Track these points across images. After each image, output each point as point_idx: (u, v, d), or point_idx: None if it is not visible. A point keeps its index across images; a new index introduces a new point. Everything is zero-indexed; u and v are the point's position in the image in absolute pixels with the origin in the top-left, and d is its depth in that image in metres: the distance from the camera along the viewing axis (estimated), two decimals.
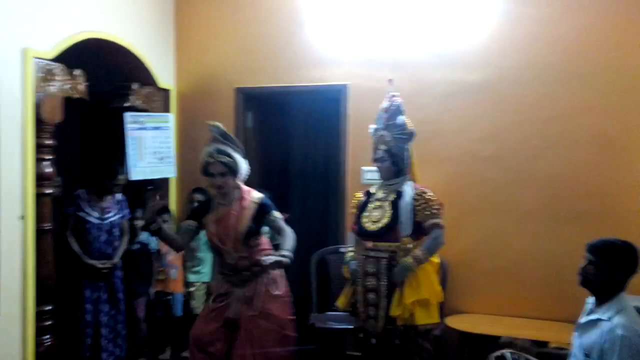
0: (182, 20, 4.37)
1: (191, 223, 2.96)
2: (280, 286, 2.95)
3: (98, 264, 3.55)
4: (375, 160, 3.16)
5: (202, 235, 4.05)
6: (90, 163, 3.64)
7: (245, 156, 2.95)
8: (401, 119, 3.12)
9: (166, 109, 4.24)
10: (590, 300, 2.18)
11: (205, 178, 2.91)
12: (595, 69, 3.46)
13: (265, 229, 3.02)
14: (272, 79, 4.16)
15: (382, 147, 3.11)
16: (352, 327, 3.54)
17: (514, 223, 3.63)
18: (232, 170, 2.83)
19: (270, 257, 2.67)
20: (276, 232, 2.95)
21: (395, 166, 3.10)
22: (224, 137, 2.88)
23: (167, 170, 4.09)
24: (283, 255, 2.66)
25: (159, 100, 4.19)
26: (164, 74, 4.24)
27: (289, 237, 2.83)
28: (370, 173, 3.91)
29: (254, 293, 2.85)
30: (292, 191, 4.78)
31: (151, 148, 3.97)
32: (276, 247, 2.92)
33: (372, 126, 3.26)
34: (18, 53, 2.91)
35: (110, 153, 3.95)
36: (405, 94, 3.38)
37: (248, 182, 4.33)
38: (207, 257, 4.13)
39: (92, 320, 3.56)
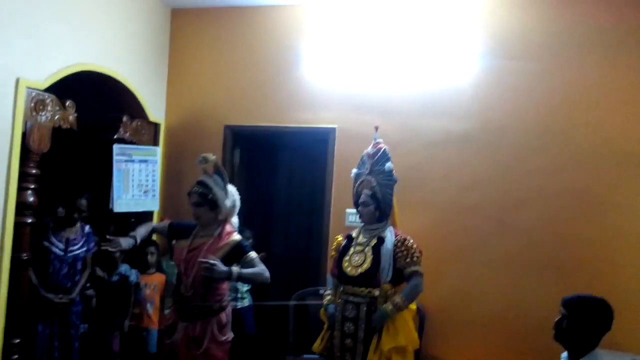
0: (176, 56, 4.45)
1: (164, 228, 3.11)
2: (226, 331, 2.93)
3: (55, 298, 3.37)
4: (359, 204, 3.20)
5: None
6: (62, 194, 3.56)
7: (227, 192, 2.98)
8: (389, 165, 3.17)
9: (155, 143, 4.27)
10: (564, 355, 2.20)
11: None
12: (575, 124, 3.58)
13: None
14: (261, 118, 4.22)
15: (366, 191, 3.16)
16: None
17: (493, 272, 3.67)
18: (209, 203, 2.87)
19: (216, 263, 2.68)
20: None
21: (378, 211, 3.14)
22: (215, 170, 2.95)
23: (151, 203, 4.13)
24: (230, 271, 2.71)
25: (148, 133, 4.22)
26: (155, 108, 4.28)
27: (258, 273, 2.86)
28: (354, 215, 3.95)
29: (201, 333, 2.81)
30: (274, 229, 4.77)
31: (137, 181, 4.00)
32: None
33: (354, 170, 3.32)
34: (12, 82, 2.93)
35: (95, 184, 3.94)
36: (391, 140, 3.46)
37: None
38: None
39: (43, 358, 3.35)
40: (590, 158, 3.54)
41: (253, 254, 2.91)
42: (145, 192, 4.04)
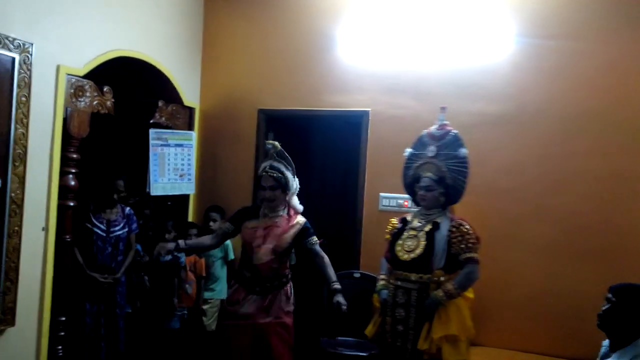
0: (210, 40, 4.47)
1: (229, 226, 3.18)
2: (290, 303, 3.12)
3: (100, 277, 3.49)
4: (420, 188, 3.09)
5: (218, 252, 4.14)
6: (101, 176, 3.66)
7: (295, 175, 3.15)
8: (464, 151, 3.06)
9: (190, 127, 4.32)
10: (606, 343, 2.16)
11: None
12: (617, 105, 3.44)
13: None
14: (295, 102, 4.22)
15: (430, 175, 3.06)
16: (364, 354, 3.54)
17: (530, 257, 3.59)
18: (282, 185, 3.02)
19: (340, 301, 2.85)
20: (313, 256, 3.06)
21: (444, 197, 3.06)
22: (278, 155, 3.08)
23: (187, 187, 4.19)
24: (338, 291, 2.89)
25: (183, 117, 4.27)
26: (190, 92, 4.33)
27: (330, 265, 3.02)
28: (387, 199, 3.94)
29: (271, 303, 3.01)
30: (307, 213, 4.79)
31: (173, 164, 4.07)
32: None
33: (409, 150, 3.23)
34: (52, 70, 3.00)
35: (132, 168, 4.03)
36: (425, 123, 3.41)
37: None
38: (222, 275, 4.16)
39: (91, 334, 3.51)
40: (633, 140, 3.40)
41: (315, 238, 3.10)
42: (181, 175, 4.11)
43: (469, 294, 3.00)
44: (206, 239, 3.30)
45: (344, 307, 2.81)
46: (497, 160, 3.69)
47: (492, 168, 3.69)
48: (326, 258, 3.04)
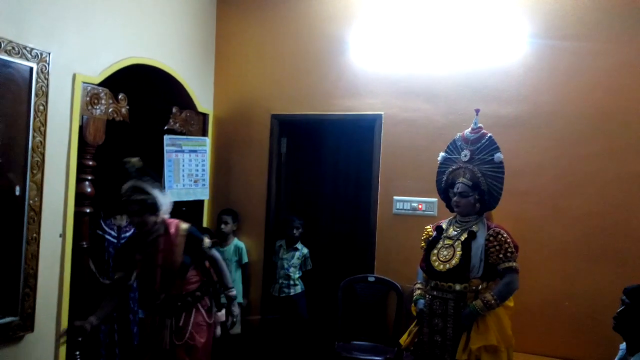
0: (222, 47, 4.51)
1: (119, 274, 2.85)
2: (209, 315, 2.92)
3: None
4: (455, 194, 2.97)
5: (233, 256, 4.17)
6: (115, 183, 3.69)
7: (164, 190, 2.90)
8: (499, 156, 2.93)
9: (204, 133, 4.36)
10: (623, 346, 2.13)
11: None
12: (632, 106, 3.40)
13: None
14: (308, 106, 4.24)
15: (464, 180, 2.93)
16: (379, 359, 3.52)
17: (546, 259, 3.56)
18: (150, 207, 2.75)
19: (234, 311, 2.89)
20: (210, 263, 2.94)
21: (480, 203, 2.94)
22: (140, 173, 2.80)
23: (201, 192, 4.22)
24: (234, 298, 2.89)
25: (197, 124, 4.31)
26: (203, 98, 4.36)
27: (226, 270, 2.93)
28: (401, 203, 3.93)
29: (184, 323, 2.79)
30: (321, 217, 4.80)
31: (187, 170, 4.10)
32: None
33: (442, 154, 3.12)
34: (69, 78, 3.05)
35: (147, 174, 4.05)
36: (439, 125, 3.41)
37: (280, 207, 4.44)
38: (236, 278, 4.18)
39: (106, 340, 3.53)
40: None
41: (207, 241, 2.91)
42: (196, 181, 4.14)
43: (510, 302, 2.90)
44: (108, 303, 2.85)
45: (235, 319, 2.90)
46: (512, 162, 3.62)
47: (507, 170, 3.59)
48: (221, 261, 2.92)
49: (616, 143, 3.43)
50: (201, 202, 4.33)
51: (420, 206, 3.84)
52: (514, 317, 3.53)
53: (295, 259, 4.18)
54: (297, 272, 4.18)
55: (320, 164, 4.76)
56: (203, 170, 4.20)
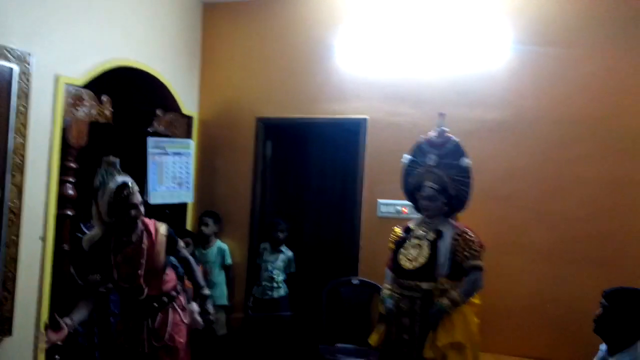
0: (208, 50, 4.49)
1: (95, 277, 2.71)
2: (186, 314, 2.87)
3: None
4: (423, 198, 3.02)
5: (216, 258, 4.15)
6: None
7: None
8: (466, 161, 2.99)
9: (188, 136, 4.33)
10: (603, 347, 2.15)
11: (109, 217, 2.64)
12: (615, 111, 3.46)
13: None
14: (293, 109, 4.23)
15: (432, 184, 2.98)
16: None
17: (530, 263, 3.60)
18: (142, 202, 2.72)
19: (209, 309, 2.85)
20: (182, 262, 2.91)
21: (448, 207, 3.01)
22: (121, 170, 2.72)
23: (186, 195, 4.19)
24: (208, 297, 2.86)
25: (182, 126, 4.28)
26: (188, 101, 4.34)
27: (198, 270, 2.93)
28: (386, 206, 3.94)
29: (162, 323, 2.72)
30: (306, 220, 4.81)
31: (171, 173, 4.07)
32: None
33: (407, 156, 3.17)
34: (51, 79, 3.01)
35: (131, 176, 4.02)
36: (424, 130, 3.40)
37: (265, 209, 4.43)
38: (220, 280, 4.17)
39: (85, 343, 3.46)
40: (632, 145, 3.42)
41: (181, 242, 2.92)
42: (180, 184, 4.11)
43: (476, 300, 2.98)
44: (84, 305, 2.71)
45: (212, 317, 2.87)
46: (495, 166, 3.69)
47: (491, 174, 3.69)
48: (193, 261, 2.92)
49: (599, 148, 3.48)
50: (185, 204, 4.30)
51: (404, 209, 3.85)
52: (497, 319, 3.60)
53: (279, 261, 4.17)
54: (281, 275, 4.16)
55: (305, 167, 4.77)
56: (187, 172, 4.17)
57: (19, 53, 2.76)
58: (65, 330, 2.44)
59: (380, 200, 3.95)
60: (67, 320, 2.56)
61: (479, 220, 3.66)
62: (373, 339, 3.15)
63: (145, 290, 2.70)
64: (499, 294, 3.62)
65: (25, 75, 2.80)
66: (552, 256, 3.55)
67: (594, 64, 3.51)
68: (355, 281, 3.94)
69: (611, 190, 3.45)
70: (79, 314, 2.63)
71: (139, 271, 2.66)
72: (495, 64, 3.72)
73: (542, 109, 3.61)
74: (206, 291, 2.94)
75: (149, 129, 3.91)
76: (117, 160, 2.71)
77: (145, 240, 2.71)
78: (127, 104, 3.76)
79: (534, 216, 3.60)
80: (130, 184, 2.66)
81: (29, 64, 2.82)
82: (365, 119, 4.02)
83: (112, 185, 2.61)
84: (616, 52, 3.47)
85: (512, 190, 3.65)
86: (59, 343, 2.50)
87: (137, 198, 2.67)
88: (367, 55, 4.00)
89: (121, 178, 2.65)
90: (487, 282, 3.59)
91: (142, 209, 2.69)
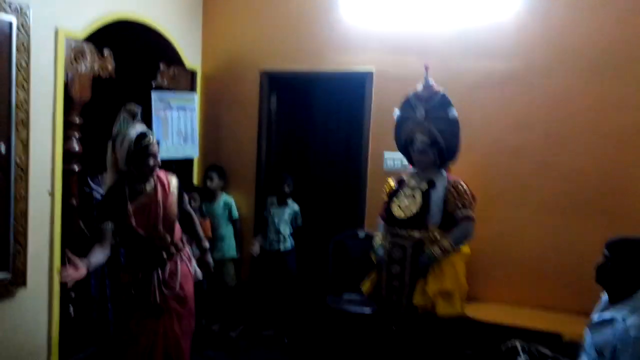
0: (211, 2, 4.39)
1: (108, 225, 2.61)
2: (192, 263, 2.91)
3: None
4: (414, 151, 3.08)
5: (223, 211, 4.19)
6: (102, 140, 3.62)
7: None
8: (453, 113, 3.01)
9: (192, 90, 4.29)
10: (605, 297, 2.18)
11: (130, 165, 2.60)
12: (628, 61, 3.36)
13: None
14: (297, 62, 4.17)
15: (423, 138, 3.02)
16: (369, 311, 3.60)
17: (535, 215, 3.60)
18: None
19: (209, 261, 2.99)
20: (185, 216, 2.91)
21: (440, 159, 3.05)
22: (140, 119, 2.68)
23: (191, 150, 4.19)
24: (208, 250, 2.97)
25: (185, 80, 4.24)
26: (191, 55, 4.28)
27: (198, 223, 3.00)
28: (392, 160, 3.92)
29: (172, 273, 2.73)
30: (312, 174, 4.81)
31: (176, 128, 4.06)
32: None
33: (397, 112, 3.19)
34: (51, 33, 2.97)
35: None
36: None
37: (270, 163, 4.43)
38: (228, 233, 4.22)
39: (97, 296, 3.56)
40: None
41: (186, 196, 2.99)
42: (185, 139, 4.10)
43: (465, 249, 3.04)
44: (99, 251, 2.58)
45: (212, 266, 2.99)
46: (503, 118, 3.65)
47: (499, 126, 3.65)
48: (194, 215, 2.99)
49: (607, 98, 3.41)
50: (191, 159, 4.31)
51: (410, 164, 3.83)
52: (502, 269, 3.64)
53: (285, 214, 4.20)
54: (288, 228, 4.21)
55: (310, 120, 4.74)
56: (192, 127, 4.15)
57: (17, 6, 2.71)
58: (84, 269, 2.40)
59: (387, 153, 3.93)
60: (85, 260, 2.48)
61: (486, 172, 3.67)
62: (365, 287, 3.25)
63: (169, 238, 2.73)
64: (504, 244, 3.65)
65: (24, 28, 2.76)
66: (558, 208, 3.54)
67: (606, 12, 3.39)
68: (361, 234, 3.98)
69: (618, 142, 3.40)
70: (95, 257, 2.57)
71: (158, 222, 2.68)
72: (503, 15, 3.61)
73: (552, 59, 3.52)
74: (206, 244, 2.99)
75: (152, 83, 3.88)
76: (139, 109, 2.66)
77: (159, 191, 2.71)
78: (129, 58, 3.71)
79: (541, 168, 3.57)
80: (149, 134, 2.63)
81: (27, 17, 2.77)
82: (371, 72, 3.95)
83: (132, 133, 2.56)
84: (628, 1, 3.35)
85: (519, 142, 3.60)
86: (76, 280, 2.38)
87: (156, 148, 2.63)
88: (373, 6, 3.90)
89: (141, 127, 2.62)
90: (492, 232, 3.64)
91: (159, 159, 2.66)
